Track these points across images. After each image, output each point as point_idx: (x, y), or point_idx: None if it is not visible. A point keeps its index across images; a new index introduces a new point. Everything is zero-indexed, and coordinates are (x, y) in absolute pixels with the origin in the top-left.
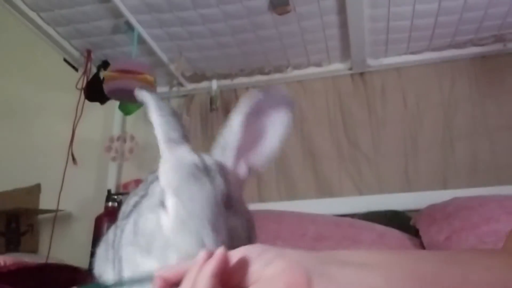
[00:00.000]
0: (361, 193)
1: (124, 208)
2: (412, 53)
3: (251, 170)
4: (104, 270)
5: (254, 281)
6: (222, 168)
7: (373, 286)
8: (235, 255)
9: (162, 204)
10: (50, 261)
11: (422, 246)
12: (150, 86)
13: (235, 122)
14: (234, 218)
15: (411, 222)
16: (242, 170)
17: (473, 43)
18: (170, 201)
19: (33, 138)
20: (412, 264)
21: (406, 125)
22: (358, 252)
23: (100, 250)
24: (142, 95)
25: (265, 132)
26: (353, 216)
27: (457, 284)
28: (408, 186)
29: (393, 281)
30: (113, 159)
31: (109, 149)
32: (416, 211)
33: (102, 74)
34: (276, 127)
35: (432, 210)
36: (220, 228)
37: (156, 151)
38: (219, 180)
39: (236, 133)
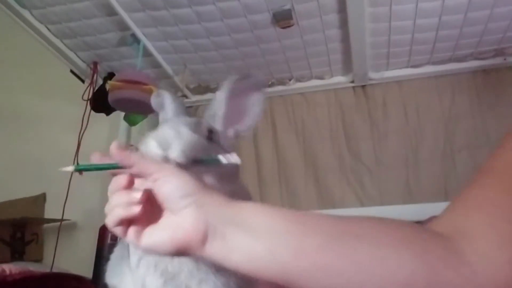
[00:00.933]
0: (362, 204)
1: None
2: (413, 66)
3: (236, 135)
4: (121, 272)
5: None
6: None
7: (255, 256)
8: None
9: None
10: (55, 270)
11: None
12: None
13: (220, 97)
14: (214, 151)
15: None
16: (229, 134)
17: (473, 57)
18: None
19: (39, 148)
20: (301, 234)
21: (407, 138)
22: (259, 214)
23: (116, 254)
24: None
25: (245, 109)
26: None
27: (337, 261)
28: (409, 198)
29: (276, 254)
30: None
31: None
32: (418, 222)
33: (108, 83)
34: (253, 106)
35: (434, 222)
36: (191, 141)
37: None
38: (205, 120)
39: (221, 105)
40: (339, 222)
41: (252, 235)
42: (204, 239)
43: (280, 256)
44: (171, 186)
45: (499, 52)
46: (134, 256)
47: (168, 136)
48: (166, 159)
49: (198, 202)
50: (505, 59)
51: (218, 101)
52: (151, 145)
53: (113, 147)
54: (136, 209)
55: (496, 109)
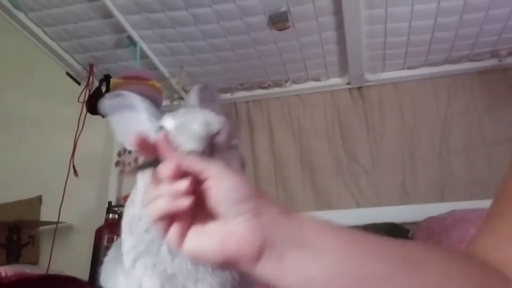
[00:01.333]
0: (359, 205)
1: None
2: (409, 68)
3: None
4: (114, 273)
5: (215, 216)
6: None
7: (313, 278)
8: (223, 174)
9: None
10: (51, 272)
11: None
12: (159, 93)
13: (193, 97)
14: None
15: (409, 235)
16: None
17: (469, 58)
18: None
19: (35, 150)
20: (364, 259)
21: (404, 139)
22: (319, 232)
23: (109, 256)
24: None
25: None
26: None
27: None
28: (405, 199)
29: (335, 278)
30: (121, 172)
31: (118, 164)
32: (414, 223)
33: (111, 81)
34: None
35: (430, 223)
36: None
37: None
38: None
39: (195, 102)
40: (399, 248)
41: (312, 256)
42: (258, 255)
43: (341, 281)
44: (224, 187)
45: (494, 54)
46: (128, 257)
47: (209, 119)
48: (209, 141)
49: (254, 210)
50: (500, 61)
51: (192, 100)
52: (194, 123)
53: (161, 137)
54: (185, 202)
55: (492, 111)
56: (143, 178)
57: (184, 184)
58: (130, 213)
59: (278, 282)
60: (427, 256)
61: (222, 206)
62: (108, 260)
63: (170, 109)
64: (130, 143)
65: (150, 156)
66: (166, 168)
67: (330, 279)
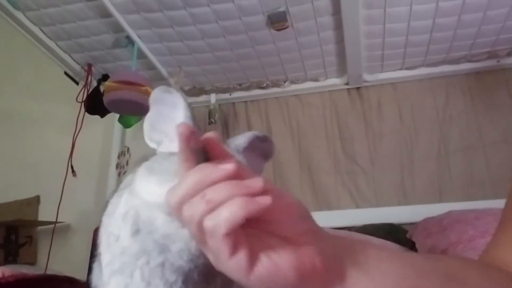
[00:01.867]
0: (358, 206)
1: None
2: (408, 68)
3: None
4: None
5: (283, 243)
6: None
7: None
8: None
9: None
10: (49, 272)
11: None
12: None
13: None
14: None
15: (407, 235)
16: None
17: (467, 59)
18: None
19: (33, 150)
20: (417, 280)
21: (402, 139)
22: (377, 254)
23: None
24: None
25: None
26: (350, 229)
27: None
28: (404, 199)
29: None
30: (119, 174)
31: (117, 166)
32: (412, 224)
33: (103, 85)
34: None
35: (428, 223)
36: None
37: None
38: None
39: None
40: (441, 264)
41: (371, 277)
42: (327, 277)
43: None
44: (290, 202)
45: (492, 55)
46: (105, 271)
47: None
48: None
49: (317, 230)
50: (498, 61)
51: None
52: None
53: (212, 134)
54: (267, 201)
55: (490, 111)
56: (133, 187)
57: (259, 181)
58: (107, 229)
59: None
60: (463, 271)
61: (288, 223)
62: (96, 266)
63: None
64: (165, 133)
65: (192, 151)
66: (227, 165)
67: None
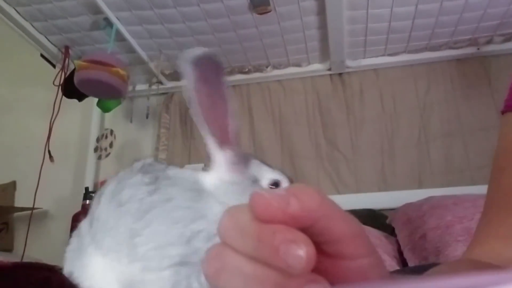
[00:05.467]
0: (339, 192)
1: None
2: (390, 55)
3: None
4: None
5: None
6: None
7: None
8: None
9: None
10: (26, 260)
11: (397, 244)
12: (122, 81)
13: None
14: None
15: (387, 221)
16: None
17: (448, 46)
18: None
19: (8, 135)
20: None
21: (383, 126)
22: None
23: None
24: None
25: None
26: None
27: None
28: (384, 186)
29: None
30: (99, 157)
31: (96, 149)
32: (392, 209)
33: (75, 63)
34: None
35: (408, 209)
36: None
37: (133, 148)
38: None
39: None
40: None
41: None
42: None
43: None
44: (341, 224)
45: (473, 42)
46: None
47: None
48: None
49: (373, 250)
50: (478, 49)
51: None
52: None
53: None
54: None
55: (469, 98)
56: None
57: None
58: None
59: None
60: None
61: (346, 245)
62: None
63: (148, 94)
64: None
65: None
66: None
67: None
